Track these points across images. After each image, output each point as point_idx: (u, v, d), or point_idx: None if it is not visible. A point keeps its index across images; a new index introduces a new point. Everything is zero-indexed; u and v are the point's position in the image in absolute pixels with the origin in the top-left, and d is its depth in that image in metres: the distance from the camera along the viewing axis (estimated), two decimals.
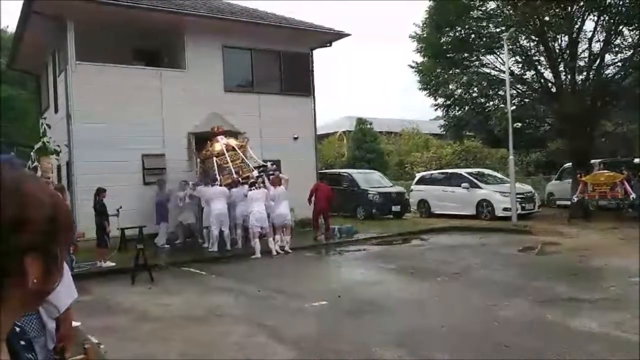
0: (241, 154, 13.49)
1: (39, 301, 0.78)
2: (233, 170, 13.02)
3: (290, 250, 12.33)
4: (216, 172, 13.02)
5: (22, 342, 0.96)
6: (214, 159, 13.29)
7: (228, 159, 13.17)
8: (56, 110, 15.31)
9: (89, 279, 9.52)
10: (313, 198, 14.25)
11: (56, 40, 14.34)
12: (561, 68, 17.76)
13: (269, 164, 13.76)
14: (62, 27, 13.41)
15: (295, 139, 16.61)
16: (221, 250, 12.30)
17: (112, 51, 14.05)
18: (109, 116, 13.36)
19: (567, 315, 6.37)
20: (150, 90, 14.20)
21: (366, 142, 28.87)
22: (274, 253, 12.00)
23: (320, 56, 79.19)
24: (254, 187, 12.23)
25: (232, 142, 13.60)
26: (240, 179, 12.78)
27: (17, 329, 0.89)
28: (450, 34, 18.62)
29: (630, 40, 17.14)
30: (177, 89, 14.49)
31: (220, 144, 13.41)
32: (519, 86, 18.94)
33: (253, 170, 13.03)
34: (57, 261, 0.76)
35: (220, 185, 12.66)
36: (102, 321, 6.70)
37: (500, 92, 18.27)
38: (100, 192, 11.19)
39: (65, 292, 2.72)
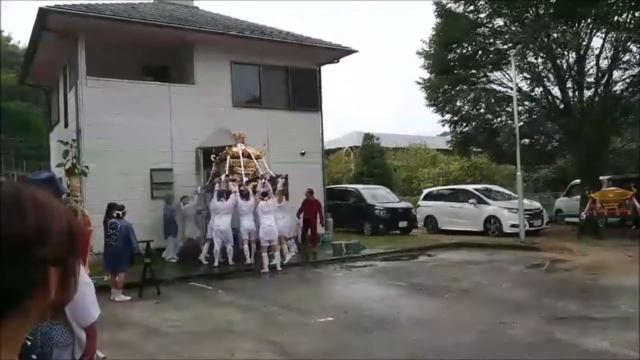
0: (255, 162, 13.56)
1: (54, 313, 0.79)
2: (243, 175, 13.06)
3: (280, 268, 12.05)
4: (227, 170, 13.02)
5: (34, 356, 0.96)
6: (229, 159, 13.32)
7: (241, 162, 13.23)
8: (66, 125, 15.45)
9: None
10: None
11: (67, 56, 14.53)
12: (569, 84, 17.74)
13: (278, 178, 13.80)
14: (73, 43, 13.61)
15: (303, 154, 16.64)
16: (221, 265, 12.10)
17: (122, 67, 14.21)
18: (119, 130, 13.47)
19: (577, 334, 6.30)
20: (159, 105, 14.32)
21: (373, 158, 28.87)
22: (279, 268, 11.95)
23: (327, 72, 79.80)
24: (265, 198, 12.22)
25: (251, 149, 13.70)
26: (247, 183, 12.78)
27: (29, 343, 0.90)
28: (458, 50, 18.69)
29: (638, 56, 17.12)
30: (186, 104, 14.62)
31: (238, 148, 13.51)
32: (526, 102, 18.93)
33: (264, 180, 13.03)
34: (74, 272, 0.77)
35: (227, 176, 12.65)
36: (109, 335, 6.66)
37: (508, 109, 18.25)
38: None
39: (93, 305, 2.79)
